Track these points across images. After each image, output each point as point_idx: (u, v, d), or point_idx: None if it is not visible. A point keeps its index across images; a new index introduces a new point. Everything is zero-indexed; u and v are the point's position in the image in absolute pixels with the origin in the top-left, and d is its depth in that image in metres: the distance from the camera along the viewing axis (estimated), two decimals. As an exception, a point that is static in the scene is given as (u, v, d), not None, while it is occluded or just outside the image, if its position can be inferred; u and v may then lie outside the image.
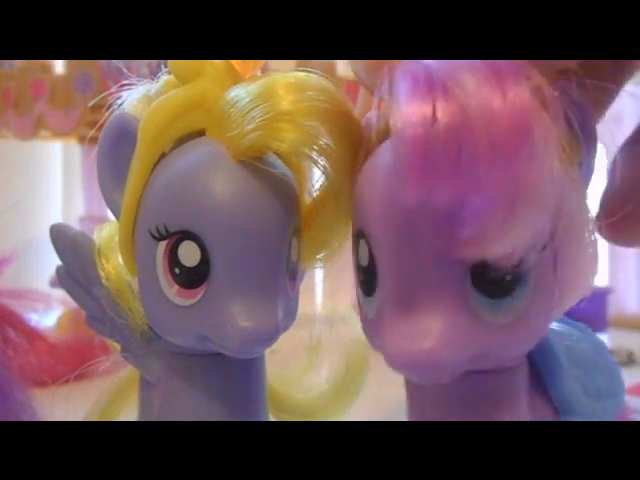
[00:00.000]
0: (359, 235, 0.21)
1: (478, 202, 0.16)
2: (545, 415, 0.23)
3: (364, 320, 0.22)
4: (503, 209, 0.16)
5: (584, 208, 0.19)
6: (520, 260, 0.18)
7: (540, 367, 0.23)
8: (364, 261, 0.20)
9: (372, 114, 0.23)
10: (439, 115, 0.16)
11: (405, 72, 0.18)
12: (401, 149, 0.17)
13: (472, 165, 0.16)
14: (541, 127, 0.17)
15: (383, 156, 0.20)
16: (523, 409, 0.22)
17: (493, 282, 0.19)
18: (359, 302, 0.22)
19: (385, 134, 0.21)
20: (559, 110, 0.17)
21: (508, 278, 0.19)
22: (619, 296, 0.78)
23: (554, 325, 0.24)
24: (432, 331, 0.18)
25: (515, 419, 0.22)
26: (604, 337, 0.69)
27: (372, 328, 0.21)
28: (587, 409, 0.24)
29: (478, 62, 0.17)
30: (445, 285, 0.18)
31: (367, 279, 0.20)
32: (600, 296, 0.85)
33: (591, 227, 0.20)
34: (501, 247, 0.17)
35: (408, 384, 0.23)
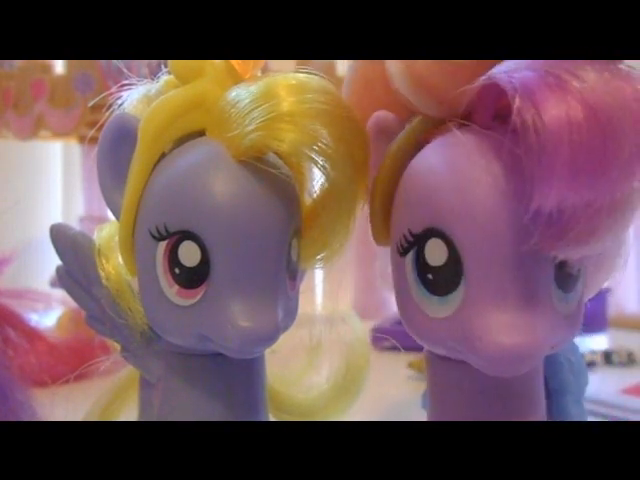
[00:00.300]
0: (427, 234, 0.20)
1: (601, 203, 0.17)
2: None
3: (421, 321, 0.21)
4: (616, 213, 0.18)
5: None
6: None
7: None
8: (438, 260, 0.20)
9: (385, 114, 0.23)
10: (580, 115, 0.17)
11: (529, 71, 0.18)
12: (546, 148, 0.17)
13: (613, 165, 0.17)
14: None
15: (470, 153, 0.20)
16: (542, 397, 0.23)
17: (568, 277, 0.20)
18: (412, 303, 0.21)
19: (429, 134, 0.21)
20: None
21: (575, 273, 0.20)
22: (619, 296, 0.78)
23: None
24: (524, 326, 0.19)
25: (537, 409, 0.23)
26: (604, 337, 0.69)
27: (445, 327, 0.20)
28: (572, 386, 0.26)
29: (591, 62, 0.18)
30: (536, 281, 0.19)
31: (441, 278, 0.20)
32: (600, 296, 0.85)
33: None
34: (596, 248, 0.18)
35: (432, 379, 0.24)
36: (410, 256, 0.21)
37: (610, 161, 0.17)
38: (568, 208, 0.17)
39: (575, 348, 0.27)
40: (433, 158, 0.21)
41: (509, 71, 0.18)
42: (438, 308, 0.20)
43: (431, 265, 0.20)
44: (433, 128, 0.22)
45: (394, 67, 0.21)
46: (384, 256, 0.26)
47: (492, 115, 0.20)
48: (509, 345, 0.19)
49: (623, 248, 0.22)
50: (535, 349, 0.19)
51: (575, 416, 0.25)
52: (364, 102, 0.24)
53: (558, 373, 0.25)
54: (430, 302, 0.21)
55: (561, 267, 0.20)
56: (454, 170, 0.20)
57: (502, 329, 0.19)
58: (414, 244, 0.21)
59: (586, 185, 0.17)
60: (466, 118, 0.21)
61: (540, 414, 0.23)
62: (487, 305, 0.19)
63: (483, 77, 0.19)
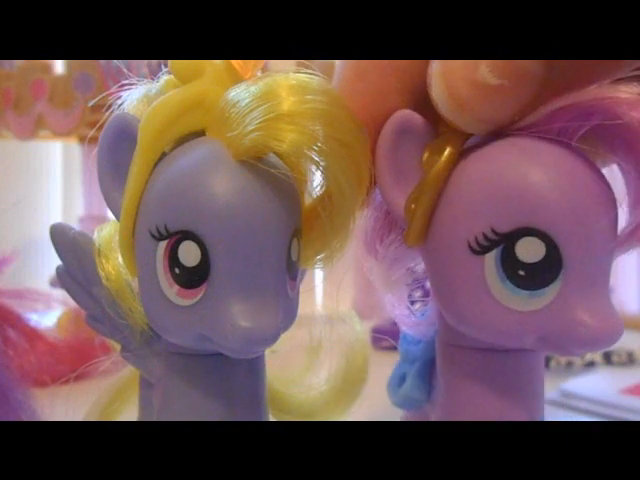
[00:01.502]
0: (519, 232, 0.21)
1: None
2: None
3: (499, 315, 0.22)
4: None
5: None
6: None
7: None
8: (534, 257, 0.21)
9: (409, 113, 0.23)
10: None
11: (627, 100, 0.20)
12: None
13: None
14: None
15: (559, 156, 0.22)
16: (541, 383, 0.25)
17: None
18: (489, 297, 0.22)
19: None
20: None
21: None
22: (619, 296, 0.78)
23: None
24: (615, 309, 0.22)
25: (536, 393, 0.25)
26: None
27: (537, 319, 0.22)
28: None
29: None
30: (609, 269, 0.22)
31: (536, 274, 0.22)
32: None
33: None
34: None
35: (443, 363, 0.26)
36: (493, 254, 0.22)
37: None
38: None
39: None
40: (515, 160, 0.22)
41: (604, 102, 0.20)
42: (529, 301, 0.22)
43: (524, 262, 0.22)
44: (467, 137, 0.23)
45: (438, 93, 0.22)
46: (385, 262, 0.26)
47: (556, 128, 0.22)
48: (613, 323, 0.21)
49: None
50: (620, 325, 0.21)
51: None
52: (357, 88, 0.24)
53: None
54: (519, 297, 0.22)
55: None
56: (551, 171, 0.21)
57: (607, 312, 0.21)
58: (500, 242, 0.22)
59: None
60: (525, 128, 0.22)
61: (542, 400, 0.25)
62: (583, 297, 0.21)
63: (558, 102, 0.21)
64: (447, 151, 0.23)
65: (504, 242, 0.22)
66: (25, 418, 0.31)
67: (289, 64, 0.28)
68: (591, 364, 0.57)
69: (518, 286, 0.22)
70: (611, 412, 0.47)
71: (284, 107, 0.21)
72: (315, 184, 0.24)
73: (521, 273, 0.22)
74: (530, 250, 0.21)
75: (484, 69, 0.20)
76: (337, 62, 0.25)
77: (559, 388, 0.51)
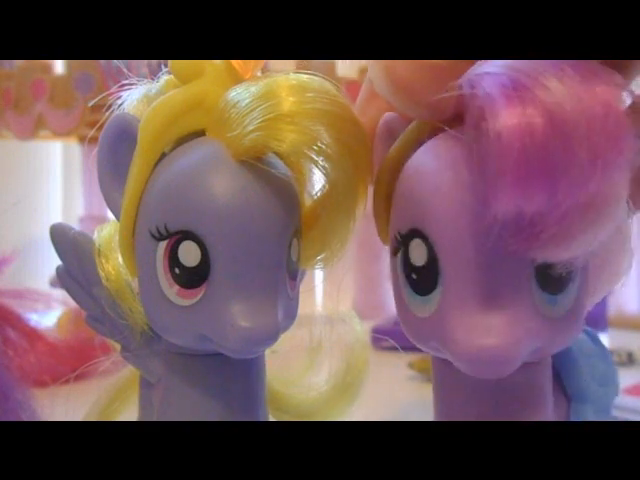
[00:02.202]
0: (411, 234, 0.21)
1: (568, 206, 0.17)
2: (559, 402, 0.24)
3: (409, 319, 0.22)
4: (589, 214, 0.17)
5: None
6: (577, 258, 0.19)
7: (555, 358, 0.24)
8: (420, 260, 0.21)
9: (391, 115, 0.23)
10: (535, 120, 0.17)
11: (490, 75, 0.18)
12: (499, 153, 0.17)
13: (570, 171, 0.17)
14: (631, 133, 0.17)
15: (448, 157, 0.20)
16: (549, 400, 0.23)
17: (554, 279, 0.20)
18: (402, 302, 0.22)
19: (428, 135, 0.21)
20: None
21: (564, 275, 0.20)
22: (619, 296, 0.78)
23: None
24: (499, 327, 0.19)
25: (543, 411, 0.22)
26: (604, 337, 0.69)
27: (428, 326, 0.21)
28: (595, 395, 0.25)
29: (559, 63, 0.18)
30: (512, 283, 0.19)
31: (423, 278, 0.21)
32: (600, 296, 0.84)
33: (627, 227, 0.21)
34: (577, 249, 0.18)
35: (436, 377, 0.24)
36: (399, 256, 0.22)
37: (566, 166, 0.17)
38: (533, 213, 0.17)
39: (604, 355, 0.26)
40: (417, 161, 0.21)
41: (473, 77, 0.18)
42: (422, 307, 0.21)
43: (414, 265, 0.21)
44: (430, 131, 0.22)
45: (374, 69, 0.21)
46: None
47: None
48: (483, 346, 0.19)
49: (625, 250, 0.21)
50: (511, 351, 0.19)
51: (586, 390, 0.25)
52: (369, 110, 0.24)
53: (576, 379, 0.25)
54: (415, 301, 0.21)
55: (545, 269, 0.19)
56: (430, 173, 0.20)
57: (476, 330, 0.19)
58: (401, 244, 0.21)
59: (540, 191, 0.17)
60: (454, 120, 0.21)
61: (544, 418, 0.23)
62: (462, 306, 0.19)
63: (454, 82, 0.19)
64: (396, 146, 0.23)
65: (403, 244, 0.21)
66: (25, 418, 0.31)
67: (289, 64, 0.28)
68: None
69: (414, 290, 0.21)
70: (611, 412, 0.47)
71: (284, 107, 0.21)
72: (315, 184, 0.24)
73: (414, 277, 0.21)
74: (417, 253, 0.21)
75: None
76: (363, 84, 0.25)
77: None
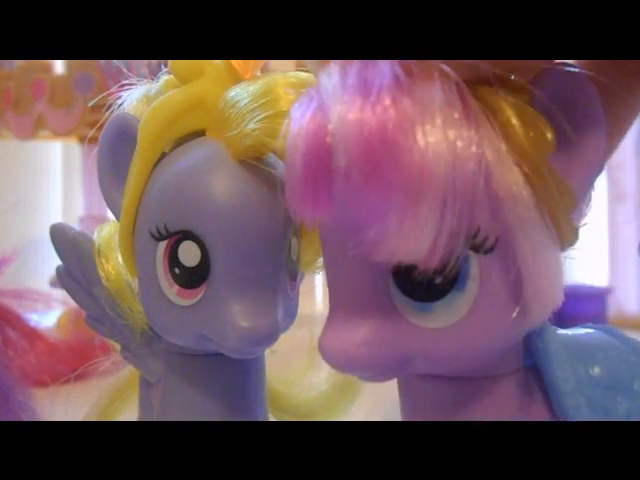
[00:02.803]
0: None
1: (378, 205, 0.17)
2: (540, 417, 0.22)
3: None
4: (396, 210, 0.17)
5: (545, 216, 0.18)
6: (443, 263, 0.17)
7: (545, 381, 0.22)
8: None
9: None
10: (319, 130, 0.17)
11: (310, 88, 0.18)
12: (290, 162, 0.17)
13: (350, 178, 0.16)
14: (418, 129, 0.17)
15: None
16: (513, 417, 0.21)
17: (418, 284, 0.18)
18: None
19: None
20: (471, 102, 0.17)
21: (438, 281, 0.18)
22: (619, 296, 0.78)
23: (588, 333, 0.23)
24: (354, 331, 0.19)
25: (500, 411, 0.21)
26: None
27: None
28: (569, 409, 0.22)
29: (354, 71, 0.18)
30: (368, 287, 0.19)
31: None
32: (600, 296, 0.85)
33: (561, 239, 0.19)
34: (406, 248, 0.17)
35: (400, 389, 0.23)
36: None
37: (352, 177, 0.16)
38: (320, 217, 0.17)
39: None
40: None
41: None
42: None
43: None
44: None
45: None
46: None
47: None
48: (326, 348, 0.19)
49: (558, 261, 0.19)
50: (351, 353, 0.19)
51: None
52: None
53: (557, 401, 0.22)
54: None
55: (403, 273, 0.18)
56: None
57: (326, 333, 0.19)
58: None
59: (315, 198, 0.17)
60: None
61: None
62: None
63: None
64: None
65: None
66: (25, 418, 0.31)
67: (289, 64, 0.28)
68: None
69: None
70: None
71: (283, 104, 0.21)
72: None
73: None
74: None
75: None
76: None
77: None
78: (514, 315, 0.19)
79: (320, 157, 0.17)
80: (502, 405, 0.21)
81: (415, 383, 0.21)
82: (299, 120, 0.17)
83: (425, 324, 0.19)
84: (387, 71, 0.18)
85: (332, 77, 0.18)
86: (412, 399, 0.22)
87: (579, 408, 0.22)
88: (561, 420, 0.22)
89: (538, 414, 0.22)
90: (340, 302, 0.19)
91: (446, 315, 0.19)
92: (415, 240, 0.17)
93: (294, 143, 0.17)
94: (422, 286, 0.18)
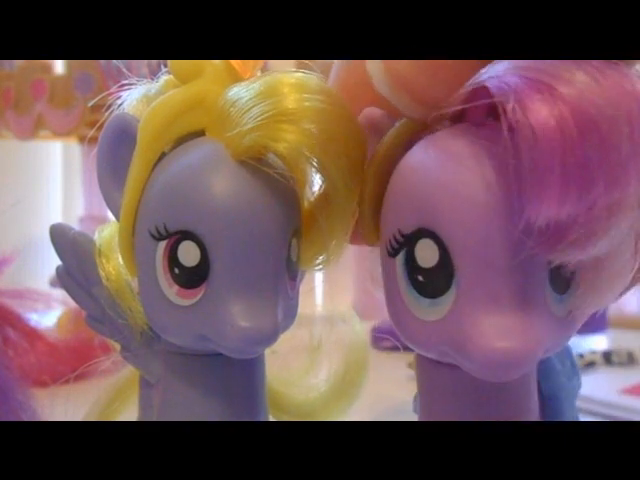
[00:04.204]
0: (418, 234, 0.20)
1: (599, 208, 0.17)
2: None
3: (411, 324, 0.21)
4: (614, 215, 0.17)
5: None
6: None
7: None
8: (429, 262, 0.20)
9: (373, 110, 0.23)
10: (569, 122, 0.16)
11: (513, 75, 0.17)
12: (536, 156, 0.16)
13: (608, 170, 0.16)
14: None
15: (463, 153, 0.19)
16: (535, 402, 0.22)
17: (563, 279, 0.19)
18: (402, 305, 0.21)
19: (421, 132, 0.21)
20: None
21: (569, 275, 0.19)
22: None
23: None
24: (517, 329, 0.18)
25: (528, 412, 0.22)
26: (604, 337, 0.69)
27: (437, 330, 0.20)
28: (565, 391, 0.25)
29: (577, 61, 0.17)
30: (529, 284, 0.19)
31: (432, 280, 0.20)
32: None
33: (633, 233, 0.19)
34: (596, 250, 0.18)
35: (423, 383, 0.23)
36: (400, 257, 0.21)
37: (602, 168, 0.16)
38: (563, 218, 0.17)
39: (567, 350, 0.26)
40: (422, 158, 0.20)
41: (499, 76, 0.18)
42: (428, 311, 0.20)
43: (421, 267, 0.20)
44: (421, 129, 0.21)
45: (374, 67, 0.21)
46: (374, 257, 0.26)
47: (484, 116, 0.20)
48: (502, 349, 0.18)
49: (636, 252, 0.20)
50: (530, 353, 0.18)
51: (572, 419, 0.25)
52: (363, 104, 0.24)
53: (552, 377, 0.25)
54: (420, 305, 0.20)
55: (556, 269, 0.19)
56: (444, 170, 0.19)
57: (495, 332, 0.18)
58: (404, 245, 0.20)
59: (578, 196, 0.16)
60: (453, 120, 0.20)
61: (533, 419, 0.22)
62: (479, 308, 0.19)
63: (473, 81, 0.18)
64: (386, 144, 0.22)
65: (407, 244, 0.20)
66: (25, 418, 0.31)
67: (289, 64, 0.28)
68: (591, 364, 0.57)
69: (419, 293, 0.20)
70: (611, 412, 0.47)
71: (283, 105, 0.21)
72: (315, 184, 0.24)
73: (420, 279, 0.20)
74: (426, 253, 0.20)
75: None
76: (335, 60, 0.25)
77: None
78: (604, 296, 0.20)
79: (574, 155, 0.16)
80: (530, 386, 0.22)
81: (449, 371, 0.21)
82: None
83: (560, 314, 0.20)
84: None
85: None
86: (441, 385, 0.22)
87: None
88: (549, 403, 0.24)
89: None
90: (496, 301, 0.19)
91: (569, 304, 0.20)
92: (608, 244, 0.18)
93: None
94: (565, 280, 0.19)
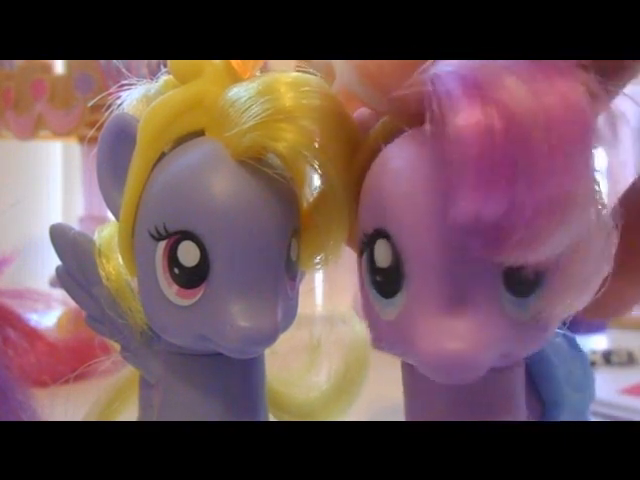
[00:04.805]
0: (376, 235, 0.20)
1: (533, 207, 0.16)
2: (532, 407, 0.24)
3: (376, 322, 0.21)
4: (556, 214, 0.17)
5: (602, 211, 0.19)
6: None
7: (530, 363, 0.24)
8: (384, 262, 0.20)
9: (363, 111, 0.23)
10: (495, 120, 0.16)
11: (448, 74, 0.17)
12: (459, 155, 0.16)
13: (531, 169, 0.16)
14: (594, 128, 0.17)
15: (414, 156, 0.19)
16: (522, 406, 0.22)
17: (522, 282, 0.19)
18: (369, 304, 0.21)
19: (397, 131, 0.21)
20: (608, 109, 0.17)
21: (532, 277, 0.19)
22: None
23: None
24: (466, 331, 0.18)
25: (515, 417, 0.22)
26: (604, 337, 0.69)
27: (392, 330, 0.20)
28: (569, 400, 0.24)
29: (520, 62, 0.17)
30: (479, 286, 0.19)
31: (387, 280, 0.20)
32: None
33: (605, 232, 0.19)
34: (545, 252, 0.17)
35: (407, 382, 0.23)
36: (365, 257, 0.21)
37: (526, 165, 0.16)
38: (496, 217, 0.17)
39: (582, 360, 0.26)
40: (383, 159, 0.21)
41: (433, 74, 0.18)
42: (386, 311, 0.20)
43: (379, 267, 0.20)
44: (396, 131, 0.21)
45: (342, 65, 0.21)
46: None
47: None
48: (448, 350, 0.18)
49: (603, 256, 0.20)
50: (478, 355, 0.18)
51: (560, 396, 0.25)
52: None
53: (550, 384, 0.25)
54: (380, 304, 0.20)
55: (513, 271, 0.19)
56: (397, 174, 0.19)
57: (441, 334, 0.18)
58: (367, 245, 0.21)
59: (500, 194, 0.16)
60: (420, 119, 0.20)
61: (521, 411, 0.22)
62: (427, 310, 0.19)
63: (414, 80, 0.18)
64: (364, 145, 0.22)
65: (369, 245, 0.20)
66: (25, 418, 0.31)
67: (289, 64, 0.28)
68: (591, 364, 0.57)
69: (378, 292, 0.20)
70: (611, 412, 0.47)
71: (281, 103, 0.21)
72: (314, 184, 0.24)
73: (378, 279, 0.20)
74: (382, 254, 0.20)
75: None
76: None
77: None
78: (570, 303, 0.20)
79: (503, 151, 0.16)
80: (515, 390, 0.22)
81: (416, 373, 0.21)
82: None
83: (520, 318, 0.19)
84: None
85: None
86: (424, 394, 0.22)
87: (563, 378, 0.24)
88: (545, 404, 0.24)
89: (530, 399, 0.23)
90: (441, 302, 0.19)
91: (533, 308, 0.19)
92: (558, 245, 0.17)
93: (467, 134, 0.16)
94: (524, 283, 0.19)
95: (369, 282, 0.21)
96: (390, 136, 0.21)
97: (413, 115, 0.20)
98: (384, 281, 0.20)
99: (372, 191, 0.21)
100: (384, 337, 0.21)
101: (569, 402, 0.25)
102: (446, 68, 0.18)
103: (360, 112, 0.23)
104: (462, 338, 0.18)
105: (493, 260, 0.18)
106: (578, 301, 0.20)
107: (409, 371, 0.23)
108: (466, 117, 0.16)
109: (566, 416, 0.25)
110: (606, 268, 0.20)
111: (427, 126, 0.18)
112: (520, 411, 0.22)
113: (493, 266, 0.18)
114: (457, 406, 0.21)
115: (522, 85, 0.17)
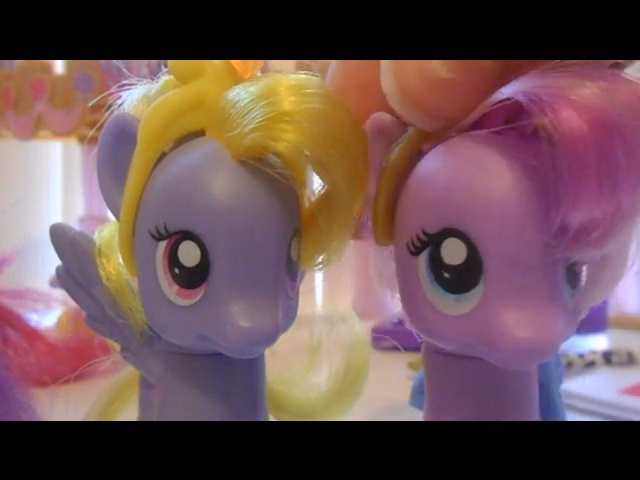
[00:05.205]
0: (444, 233, 0.21)
1: (625, 208, 0.19)
2: None
3: (433, 319, 0.22)
4: (633, 214, 0.19)
5: None
6: None
7: None
8: (456, 259, 0.21)
9: (383, 116, 0.23)
10: (599, 126, 0.18)
11: (540, 87, 0.19)
12: (574, 162, 0.18)
13: (632, 173, 0.18)
14: None
15: (486, 158, 0.20)
16: (536, 392, 0.24)
17: (576, 275, 0.21)
18: (426, 301, 0.22)
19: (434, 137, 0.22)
20: None
21: (580, 270, 0.21)
22: (619, 296, 0.78)
23: None
24: (551, 321, 0.20)
25: (531, 403, 0.24)
26: (604, 337, 0.69)
27: (465, 323, 0.21)
28: (554, 378, 0.27)
29: (577, 69, 0.19)
30: (553, 279, 0.20)
31: (459, 277, 0.21)
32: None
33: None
34: (610, 247, 0.19)
35: (431, 375, 0.25)
36: (424, 255, 0.22)
37: (628, 169, 0.18)
38: (595, 217, 0.18)
39: None
40: (445, 162, 0.21)
41: (525, 91, 0.19)
42: (455, 306, 0.21)
43: (448, 264, 0.21)
44: (434, 136, 0.22)
45: (388, 86, 0.22)
46: (380, 257, 0.26)
47: (502, 124, 0.21)
48: (529, 339, 0.19)
49: (627, 248, 0.22)
50: (553, 343, 0.20)
51: (560, 405, 0.27)
52: (361, 107, 0.24)
53: (546, 367, 0.27)
54: (445, 300, 0.21)
55: (572, 265, 0.21)
56: (471, 174, 0.20)
57: (522, 325, 0.20)
58: (428, 244, 0.21)
59: (611, 195, 0.18)
60: (470, 128, 0.21)
61: (535, 409, 0.24)
62: (507, 303, 0.20)
63: (496, 97, 0.20)
64: (399, 150, 0.23)
65: (431, 243, 0.21)
66: (25, 418, 0.31)
67: (289, 64, 0.28)
68: (591, 364, 0.57)
69: (444, 289, 0.21)
70: (611, 412, 0.47)
71: (283, 106, 0.21)
72: (315, 185, 0.24)
73: (446, 275, 0.21)
74: (453, 251, 0.21)
75: (436, 63, 0.20)
76: (334, 81, 0.25)
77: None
78: (600, 292, 0.23)
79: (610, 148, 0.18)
80: (532, 375, 0.24)
81: (458, 363, 0.23)
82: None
83: (572, 308, 0.21)
84: None
85: None
86: (450, 377, 0.24)
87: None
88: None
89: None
90: (523, 295, 0.20)
91: (577, 298, 0.21)
92: (620, 242, 0.20)
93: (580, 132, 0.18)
94: (577, 276, 0.21)
95: (432, 279, 0.22)
96: (423, 144, 0.23)
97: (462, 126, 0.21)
98: (455, 277, 0.21)
99: (433, 193, 0.21)
100: (446, 332, 0.22)
101: (554, 381, 0.27)
102: (532, 82, 0.19)
103: (379, 117, 0.23)
104: (540, 328, 0.20)
105: (565, 255, 0.20)
106: (607, 292, 0.23)
107: (437, 365, 0.24)
108: (574, 128, 0.18)
109: (556, 392, 0.27)
110: (630, 263, 0.22)
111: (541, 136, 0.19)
112: (534, 397, 0.24)
113: (562, 260, 0.20)
114: (479, 395, 0.23)
115: (607, 92, 0.18)
